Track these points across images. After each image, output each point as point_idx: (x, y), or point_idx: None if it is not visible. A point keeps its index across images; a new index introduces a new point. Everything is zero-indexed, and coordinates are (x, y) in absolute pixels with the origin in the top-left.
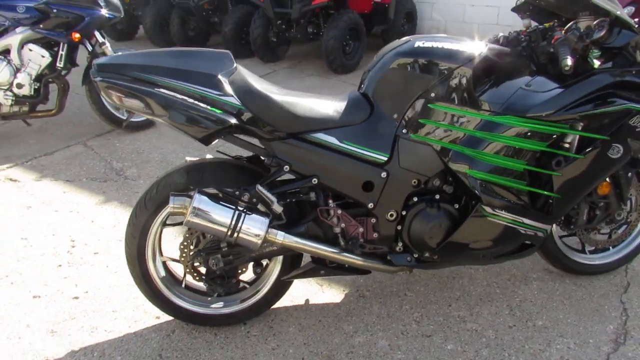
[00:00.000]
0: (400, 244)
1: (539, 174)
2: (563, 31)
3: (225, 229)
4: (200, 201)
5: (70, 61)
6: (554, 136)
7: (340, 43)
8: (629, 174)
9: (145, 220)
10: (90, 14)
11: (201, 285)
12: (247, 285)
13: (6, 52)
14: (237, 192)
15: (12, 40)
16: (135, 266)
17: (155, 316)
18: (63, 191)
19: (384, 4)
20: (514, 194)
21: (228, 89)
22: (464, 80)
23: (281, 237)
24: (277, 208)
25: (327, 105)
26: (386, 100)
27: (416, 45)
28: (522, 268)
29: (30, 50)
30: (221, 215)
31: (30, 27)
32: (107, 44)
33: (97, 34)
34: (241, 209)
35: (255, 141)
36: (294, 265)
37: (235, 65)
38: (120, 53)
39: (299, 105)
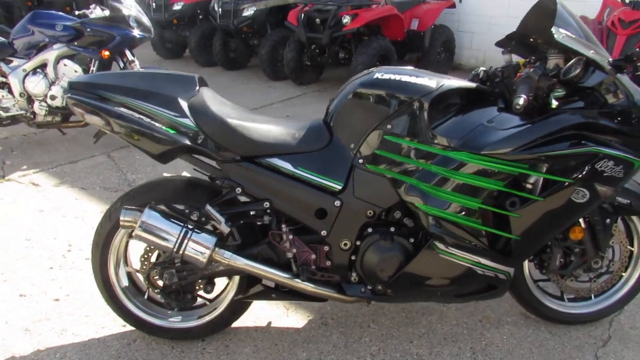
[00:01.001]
0: (354, 274)
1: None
2: (531, 69)
3: (171, 245)
4: (149, 216)
5: None
6: (512, 176)
7: (369, 68)
8: (607, 220)
9: (108, 231)
10: (120, 34)
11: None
12: (207, 302)
13: (43, 66)
14: (187, 210)
15: (49, 55)
16: (98, 274)
17: (122, 324)
18: (75, 198)
19: (419, 32)
20: (469, 232)
21: (185, 110)
22: (420, 114)
23: (228, 257)
24: (225, 228)
25: (285, 131)
26: (344, 129)
27: (375, 76)
28: (497, 310)
29: (65, 65)
30: (168, 232)
31: (66, 44)
32: (136, 62)
33: (127, 52)
34: (191, 226)
35: (213, 162)
36: (251, 286)
37: (197, 88)
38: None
39: (254, 129)
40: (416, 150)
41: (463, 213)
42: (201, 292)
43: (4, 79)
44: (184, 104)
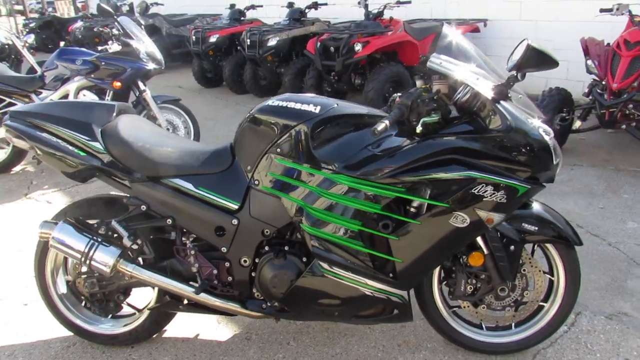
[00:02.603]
0: (256, 291)
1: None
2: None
3: (79, 256)
4: (61, 229)
5: None
6: (389, 199)
7: (381, 94)
8: (512, 247)
9: (45, 242)
10: (131, 67)
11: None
12: (136, 312)
13: (66, 96)
14: (95, 225)
15: (71, 86)
16: (37, 282)
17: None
18: None
19: None
20: (351, 254)
21: (97, 135)
22: (303, 138)
23: (130, 269)
24: (127, 242)
25: (191, 154)
26: (242, 152)
27: (268, 103)
28: (421, 335)
29: (84, 95)
30: (76, 244)
31: (85, 77)
32: (147, 91)
33: (140, 82)
34: (98, 240)
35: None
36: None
37: (114, 115)
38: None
39: (159, 152)
40: (301, 172)
41: (344, 234)
42: (129, 301)
43: None
44: (97, 130)
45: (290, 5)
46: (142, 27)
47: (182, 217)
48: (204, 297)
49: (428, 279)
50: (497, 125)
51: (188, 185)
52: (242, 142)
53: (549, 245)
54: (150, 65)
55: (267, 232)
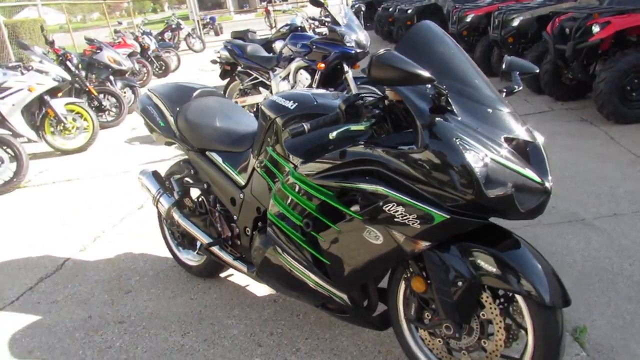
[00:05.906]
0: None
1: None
2: None
3: (152, 198)
4: (146, 177)
5: (332, 84)
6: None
7: (617, 87)
8: (460, 284)
9: None
10: (335, 50)
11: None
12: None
13: (288, 75)
14: (164, 178)
15: (292, 66)
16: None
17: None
18: None
19: None
20: (295, 245)
21: (174, 111)
22: (276, 131)
23: (177, 217)
24: (176, 195)
25: (227, 133)
26: (255, 138)
27: (271, 97)
28: None
29: (301, 74)
30: (152, 189)
31: (302, 58)
32: (350, 73)
33: (344, 64)
34: (163, 189)
35: None
36: None
37: (192, 97)
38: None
39: (206, 130)
40: (277, 162)
41: (290, 226)
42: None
43: (269, 83)
44: (176, 107)
45: None
46: (361, 15)
47: (213, 184)
48: (219, 252)
49: (393, 291)
50: (420, 142)
51: (219, 159)
52: (257, 130)
53: (518, 297)
54: (355, 49)
55: (261, 209)
